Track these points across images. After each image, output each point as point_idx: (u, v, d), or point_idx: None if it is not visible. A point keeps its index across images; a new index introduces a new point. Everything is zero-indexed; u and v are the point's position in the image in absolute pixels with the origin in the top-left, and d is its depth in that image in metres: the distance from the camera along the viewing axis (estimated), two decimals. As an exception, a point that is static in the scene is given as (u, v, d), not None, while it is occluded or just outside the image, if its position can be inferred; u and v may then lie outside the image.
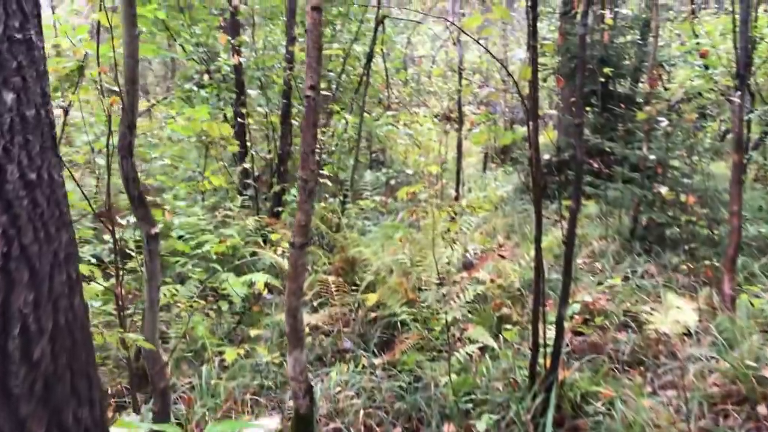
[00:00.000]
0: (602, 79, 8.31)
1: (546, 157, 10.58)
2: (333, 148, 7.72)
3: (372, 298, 4.15)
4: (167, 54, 8.69)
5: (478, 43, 3.36)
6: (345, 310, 4.57)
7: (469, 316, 4.48)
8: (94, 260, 5.12)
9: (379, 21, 9.10)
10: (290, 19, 6.43)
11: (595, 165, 9.00)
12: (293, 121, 6.81)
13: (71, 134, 7.48)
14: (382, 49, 9.73)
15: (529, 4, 2.75)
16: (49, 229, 1.26)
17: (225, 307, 4.71)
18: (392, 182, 9.24)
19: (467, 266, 4.74)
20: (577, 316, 4.68)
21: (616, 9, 9.06)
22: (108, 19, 2.82)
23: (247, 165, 6.82)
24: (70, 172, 3.72)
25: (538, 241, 3.08)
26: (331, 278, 4.64)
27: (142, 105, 10.51)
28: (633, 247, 6.88)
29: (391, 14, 12.21)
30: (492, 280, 4.79)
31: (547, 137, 3.30)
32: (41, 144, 1.26)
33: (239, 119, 7.26)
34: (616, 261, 6.59)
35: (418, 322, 4.38)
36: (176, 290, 5.31)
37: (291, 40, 6.37)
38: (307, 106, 2.79)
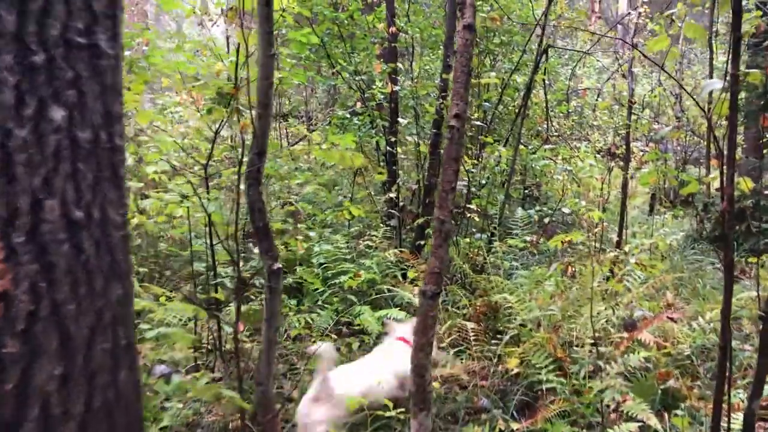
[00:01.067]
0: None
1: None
2: (484, 181, 7.32)
3: (513, 363, 3.68)
4: (323, 80, 8.77)
5: (663, 69, 2.85)
6: (484, 362, 4.13)
7: (629, 385, 3.86)
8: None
9: (543, 50, 8.65)
10: (448, 46, 6.16)
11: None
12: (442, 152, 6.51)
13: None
14: (543, 80, 9.23)
15: (731, 20, 2.22)
16: (95, 282, 0.99)
17: (356, 345, 4.43)
18: (546, 220, 8.64)
19: (629, 327, 4.12)
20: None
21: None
22: (244, 37, 2.66)
23: (392, 194, 6.60)
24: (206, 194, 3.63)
25: (726, 315, 2.49)
26: (470, 325, 4.22)
27: (298, 130, 10.75)
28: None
29: (556, 44, 11.65)
30: (658, 345, 4.13)
31: (744, 186, 2.71)
32: (96, 174, 1.00)
33: (389, 148, 7.09)
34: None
35: (566, 386, 3.84)
36: (312, 320, 5.15)
37: (447, 68, 6.09)
38: (450, 137, 2.44)
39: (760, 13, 6.36)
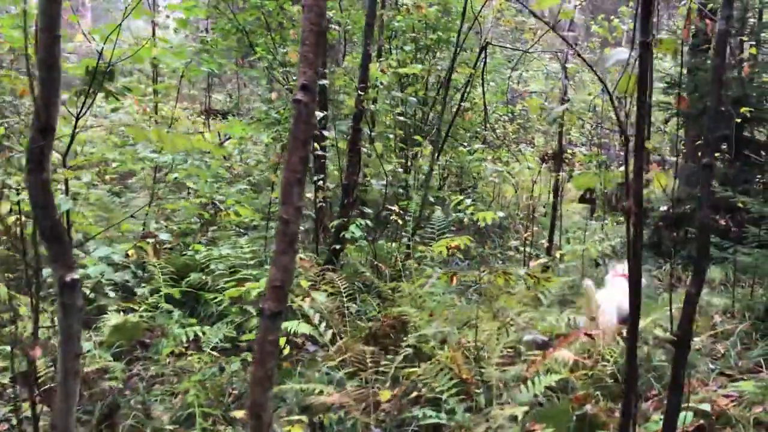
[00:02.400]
0: (737, 121, 6.97)
1: (663, 208, 9.22)
2: (412, 181, 6.85)
3: (385, 395, 3.19)
4: (244, 71, 8.22)
5: (577, 52, 2.41)
6: (380, 385, 3.63)
7: (540, 410, 3.42)
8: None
9: (482, 48, 8.26)
10: (367, 33, 5.68)
11: (723, 222, 7.63)
12: (364, 149, 6.01)
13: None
14: (482, 78, 8.86)
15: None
16: None
17: (236, 365, 3.89)
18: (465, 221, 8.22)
19: (539, 345, 3.69)
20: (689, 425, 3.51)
21: (760, 38, 7.70)
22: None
23: (309, 195, 6.08)
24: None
25: (633, 322, 2.04)
26: (367, 349, 3.72)
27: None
28: (768, 328, 5.51)
29: (504, 45, 11.30)
30: (578, 364, 3.71)
31: (657, 185, 2.40)
32: None
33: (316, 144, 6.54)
34: (745, 345, 5.26)
35: (472, 412, 3.38)
36: (203, 332, 4.57)
37: (366, 57, 5.61)
38: (296, 114, 1.94)
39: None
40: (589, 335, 3.58)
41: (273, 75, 7.55)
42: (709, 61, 8.66)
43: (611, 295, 4.52)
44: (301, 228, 6.88)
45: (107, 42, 3.90)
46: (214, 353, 4.15)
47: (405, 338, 3.91)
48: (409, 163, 6.90)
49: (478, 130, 10.29)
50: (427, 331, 3.59)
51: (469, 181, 9.34)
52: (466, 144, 10.52)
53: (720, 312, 6.03)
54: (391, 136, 7.38)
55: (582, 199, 8.76)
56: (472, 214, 4.78)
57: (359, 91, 5.60)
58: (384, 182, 5.75)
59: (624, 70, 1.81)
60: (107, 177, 8.19)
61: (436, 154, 6.03)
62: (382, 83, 6.37)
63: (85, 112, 3.90)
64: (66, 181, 3.56)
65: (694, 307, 2.06)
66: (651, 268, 8.01)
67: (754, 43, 7.04)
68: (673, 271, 7.89)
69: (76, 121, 3.84)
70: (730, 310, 6.00)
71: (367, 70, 5.63)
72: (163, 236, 3.60)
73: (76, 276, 1.95)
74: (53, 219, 1.90)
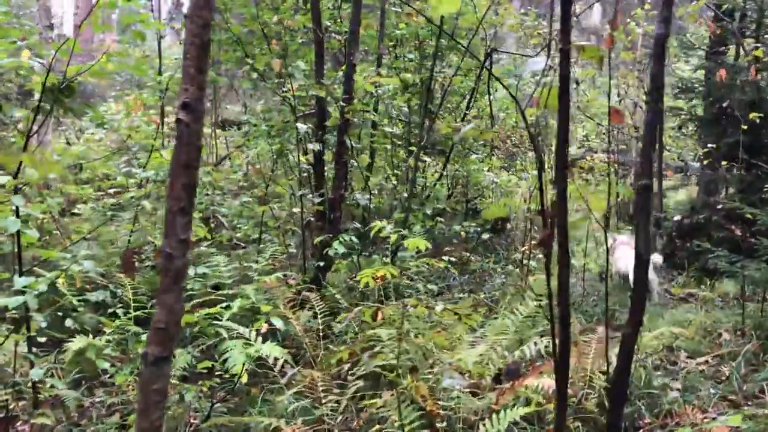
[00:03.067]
0: (744, 127, 6.62)
1: (677, 218, 8.85)
2: (406, 194, 6.61)
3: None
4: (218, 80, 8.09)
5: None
6: (338, 415, 3.41)
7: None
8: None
9: (487, 54, 8.02)
10: (351, 42, 5.48)
11: (738, 232, 7.26)
12: (354, 161, 5.80)
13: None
14: (488, 86, 8.60)
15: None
16: None
17: (190, 395, 3.70)
18: (485, 237, 7.95)
19: (511, 373, 3.44)
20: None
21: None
22: None
23: (295, 210, 5.89)
24: None
25: (561, 391, 1.79)
26: (316, 373, 3.51)
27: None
28: (779, 349, 5.16)
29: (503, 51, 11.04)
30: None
31: (594, 205, 2.11)
32: None
33: (309, 157, 6.33)
34: (752, 366, 4.92)
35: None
36: (174, 356, 4.40)
37: (350, 66, 5.41)
38: (178, 136, 1.75)
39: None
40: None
41: (266, 85, 7.37)
42: (726, 63, 8.29)
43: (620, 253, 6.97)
44: (290, 243, 6.72)
45: (65, 55, 3.77)
46: (173, 381, 3.97)
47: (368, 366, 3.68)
48: (408, 175, 6.66)
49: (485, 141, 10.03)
50: (393, 359, 3.35)
51: (475, 192, 9.06)
52: (477, 152, 10.28)
53: (730, 329, 5.69)
54: (388, 146, 7.18)
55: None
56: (398, 243, 4.50)
57: (342, 103, 5.39)
58: (368, 196, 5.53)
59: (539, 81, 1.58)
60: (110, 191, 8.15)
61: (415, 164, 5.76)
62: (373, 93, 6.17)
63: (37, 130, 3.77)
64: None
65: (630, 353, 1.80)
66: (662, 281, 7.66)
67: (759, 45, 6.68)
68: (685, 284, 7.55)
69: (27, 140, 3.72)
70: (739, 327, 5.66)
71: (352, 80, 5.43)
72: (87, 265, 3.42)
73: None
74: None
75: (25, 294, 2.90)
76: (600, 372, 3.95)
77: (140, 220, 6.21)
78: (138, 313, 4.53)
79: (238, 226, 7.48)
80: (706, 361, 5.10)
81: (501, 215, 1.96)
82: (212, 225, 7.81)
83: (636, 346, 3.59)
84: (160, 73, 7.92)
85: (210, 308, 3.89)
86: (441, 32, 6.27)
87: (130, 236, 5.88)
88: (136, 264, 5.36)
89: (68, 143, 11.20)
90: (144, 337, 4.28)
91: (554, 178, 1.63)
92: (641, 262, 1.86)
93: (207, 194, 7.67)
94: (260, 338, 3.85)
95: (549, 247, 1.67)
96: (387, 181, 6.37)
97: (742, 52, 7.94)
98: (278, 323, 3.36)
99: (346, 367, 3.99)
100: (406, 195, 6.63)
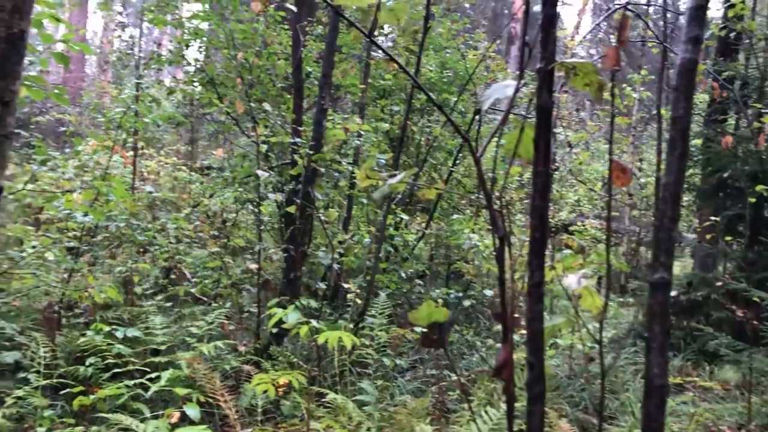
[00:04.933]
0: (751, 200, 6.13)
1: (673, 293, 8.25)
2: (382, 254, 6.02)
3: None
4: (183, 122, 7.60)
5: (438, 105, 1.63)
6: None
7: None
8: None
9: (476, 111, 7.57)
10: (322, 86, 4.98)
11: (740, 314, 6.67)
12: (321, 215, 5.22)
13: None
14: (473, 144, 8.11)
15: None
16: None
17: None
18: (466, 303, 7.33)
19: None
20: None
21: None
22: None
23: (253, 266, 5.28)
24: None
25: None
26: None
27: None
28: (791, 453, 4.51)
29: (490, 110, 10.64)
30: None
31: (589, 305, 1.66)
32: None
33: (284, 208, 5.75)
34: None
35: None
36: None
37: (321, 112, 4.89)
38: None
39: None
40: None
41: (240, 128, 6.86)
42: (727, 132, 7.88)
43: None
44: (245, 303, 6.10)
45: None
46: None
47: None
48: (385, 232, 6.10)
49: (473, 197, 9.53)
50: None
51: (457, 254, 8.49)
52: (462, 211, 9.77)
53: (734, 427, 5.04)
54: (365, 200, 6.62)
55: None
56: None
57: (310, 150, 4.85)
58: (333, 255, 4.92)
59: (504, 116, 1.02)
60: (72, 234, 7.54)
61: (383, 224, 5.19)
62: (351, 143, 5.67)
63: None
64: None
65: None
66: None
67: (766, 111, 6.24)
68: (683, 367, 6.92)
69: None
70: (743, 424, 5.01)
71: (322, 126, 4.91)
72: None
73: None
74: None
75: None
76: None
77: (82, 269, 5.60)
78: (47, 381, 3.86)
79: (202, 279, 6.87)
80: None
81: (437, 319, 1.40)
82: (173, 276, 7.20)
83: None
84: (136, 114, 7.42)
85: (121, 385, 3.24)
86: (415, 84, 5.78)
87: (65, 288, 5.24)
88: (63, 321, 4.70)
89: (35, 179, 10.62)
90: (47, 413, 3.64)
91: (528, 263, 1.06)
92: (655, 391, 1.30)
93: (170, 242, 7.10)
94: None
95: (509, 378, 1.07)
96: (360, 238, 5.78)
97: (743, 120, 7.54)
98: (192, 412, 2.72)
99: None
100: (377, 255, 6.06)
